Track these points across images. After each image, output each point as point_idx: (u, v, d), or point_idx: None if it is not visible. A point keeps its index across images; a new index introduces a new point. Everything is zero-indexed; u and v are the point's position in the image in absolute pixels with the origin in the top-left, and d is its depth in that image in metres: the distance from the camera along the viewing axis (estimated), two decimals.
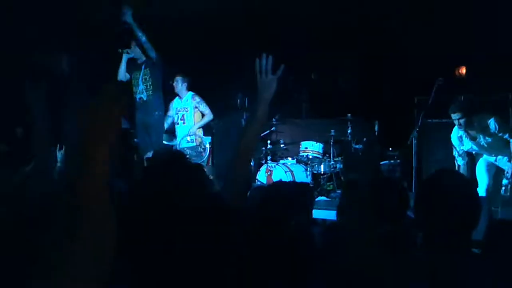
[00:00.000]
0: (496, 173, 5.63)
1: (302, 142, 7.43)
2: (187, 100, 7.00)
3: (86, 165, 1.01)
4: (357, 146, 7.45)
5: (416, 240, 2.53)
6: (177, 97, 7.07)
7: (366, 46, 7.73)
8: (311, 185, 6.77)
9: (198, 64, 7.49)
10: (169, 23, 7.07)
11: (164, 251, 1.27)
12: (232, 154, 2.00)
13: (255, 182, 6.92)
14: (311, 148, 7.31)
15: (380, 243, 1.76)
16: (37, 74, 5.88)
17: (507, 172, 5.41)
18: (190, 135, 6.99)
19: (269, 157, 7.40)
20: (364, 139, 7.51)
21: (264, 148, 7.51)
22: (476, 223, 1.62)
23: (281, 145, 7.76)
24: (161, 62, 6.20)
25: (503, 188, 5.41)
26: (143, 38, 5.95)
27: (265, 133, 7.60)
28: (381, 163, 7.44)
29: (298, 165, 7.36)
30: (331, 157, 7.33)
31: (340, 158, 7.41)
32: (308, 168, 7.27)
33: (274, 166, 7.13)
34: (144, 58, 6.24)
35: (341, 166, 7.32)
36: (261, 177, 7.14)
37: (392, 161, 7.41)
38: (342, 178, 7.32)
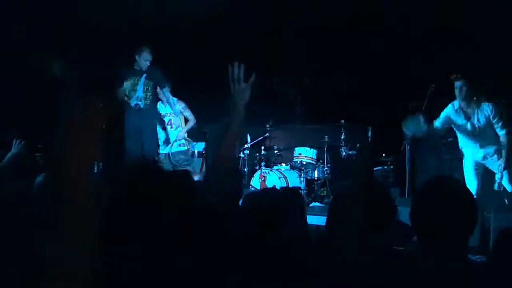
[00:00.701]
0: (485, 173, 5.58)
1: (296, 148, 7.43)
2: (173, 105, 6.92)
3: (67, 172, 1.05)
4: (350, 152, 7.44)
5: (409, 246, 2.51)
6: (159, 102, 6.87)
7: (360, 52, 7.73)
8: (302, 190, 6.75)
9: (191, 68, 7.47)
10: (162, 27, 7.05)
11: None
12: (210, 163, 2.02)
13: (249, 188, 6.88)
14: (304, 154, 7.31)
15: (373, 253, 1.73)
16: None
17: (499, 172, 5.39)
18: (179, 139, 6.98)
19: (263, 163, 7.40)
20: (358, 145, 7.50)
21: (258, 154, 7.49)
22: (473, 229, 1.62)
23: (275, 151, 7.75)
24: (166, 83, 6.56)
25: (496, 183, 5.40)
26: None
27: (258, 139, 7.58)
28: (375, 169, 7.44)
29: (292, 171, 7.35)
30: (325, 163, 7.33)
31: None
32: (302, 174, 7.25)
33: (268, 172, 7.11)
34: (145, 68, 6.31)
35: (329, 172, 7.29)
36: (255, 183, 7.12)
37: (385, 167, 7.42)
38: (327, 186, 7.28)
